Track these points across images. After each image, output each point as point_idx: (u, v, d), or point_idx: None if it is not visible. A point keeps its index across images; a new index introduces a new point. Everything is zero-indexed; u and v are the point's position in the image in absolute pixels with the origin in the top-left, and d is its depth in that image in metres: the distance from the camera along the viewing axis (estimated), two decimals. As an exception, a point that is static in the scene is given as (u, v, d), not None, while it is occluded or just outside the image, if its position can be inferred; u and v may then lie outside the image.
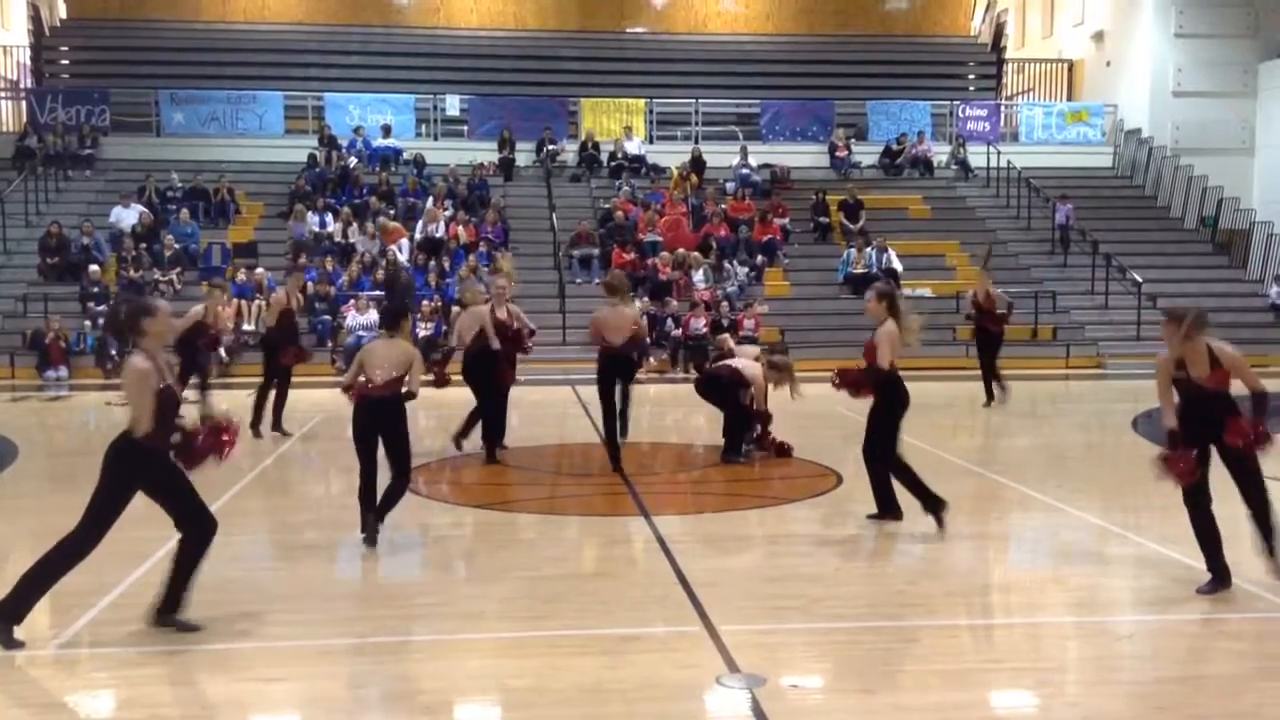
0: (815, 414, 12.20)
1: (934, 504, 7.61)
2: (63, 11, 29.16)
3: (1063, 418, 15.55)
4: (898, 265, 22.04)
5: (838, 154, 25.79)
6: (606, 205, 23.43)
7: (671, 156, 25.43)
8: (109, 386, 17.98)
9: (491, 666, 5.43)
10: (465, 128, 26.24)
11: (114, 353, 19.09)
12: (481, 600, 6.49)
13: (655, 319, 20.05)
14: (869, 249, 22.17)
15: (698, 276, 21.11)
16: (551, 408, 14.52)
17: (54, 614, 6.38)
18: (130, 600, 6.36)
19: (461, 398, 10.34)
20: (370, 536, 7.13)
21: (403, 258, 21.39)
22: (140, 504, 9.37)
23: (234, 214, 23.01)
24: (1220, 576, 6.51)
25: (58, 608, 6.44)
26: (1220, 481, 6.42)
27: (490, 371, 9.58)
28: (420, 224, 22.22)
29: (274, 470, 10.29)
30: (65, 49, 28.49)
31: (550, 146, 25.20)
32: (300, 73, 27.26)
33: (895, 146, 25.99)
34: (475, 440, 10.54)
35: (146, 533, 7.87)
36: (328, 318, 19.67)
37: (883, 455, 7.68)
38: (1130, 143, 26.49)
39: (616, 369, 9.36)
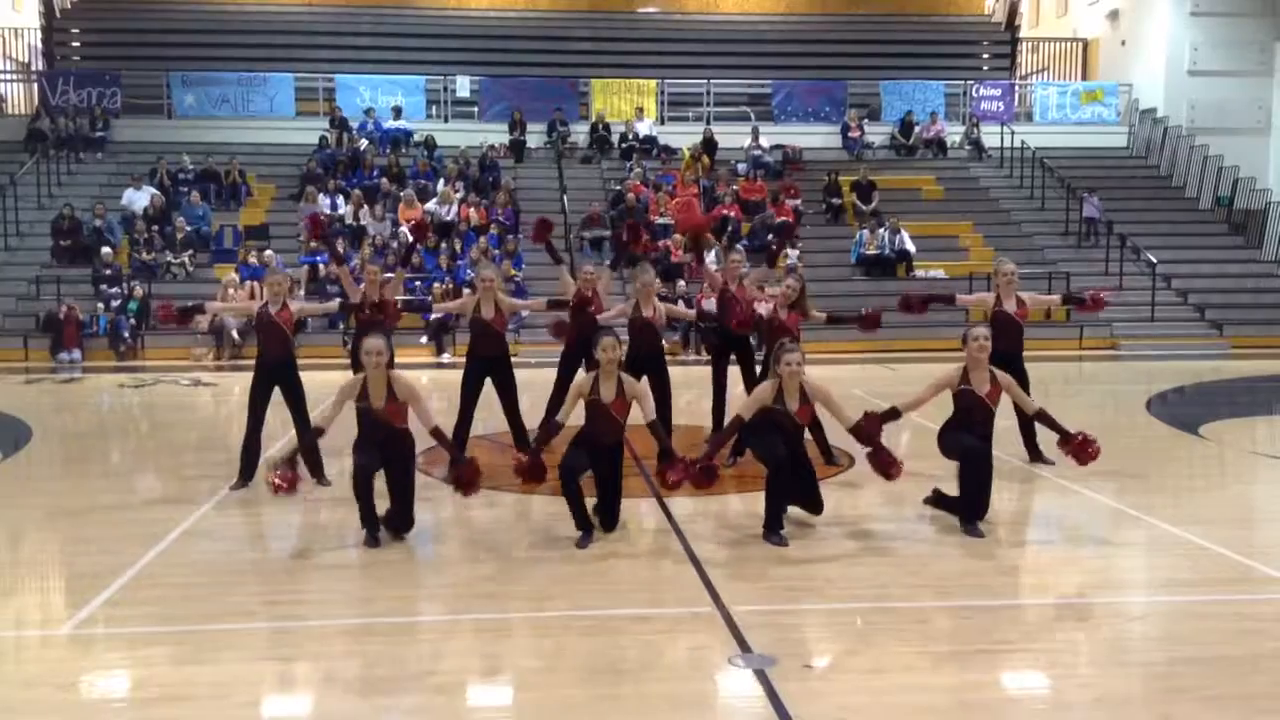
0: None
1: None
2: (73, -7, 29.22)
3: (1076, 399, 15.49)
4: (910, 246, 21.98)
5: (850, 134, 25.68)
6: (618, 187, 23.38)
7: (683, 137, 25.36)
8: (122, 369, 18.07)
9: (503, 647, 5.44)
10: (476, 109, 26.20)
11: (126, 335, 19.19)
12: (493, 581, 6.50)
13: (666, 300, 20.02)
14: (882, 230, 22.09)
15: (710, 258, 21.04)
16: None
17: (69, 594, 6.42)
18: (145, 581, 6.39)
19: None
20: None
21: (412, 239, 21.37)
22: (159, 485, 9.44)
23: (245, 196, 23.05)
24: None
25: (72, 588, 6.48)
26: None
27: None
28: (432, 203, 22.23)
29: (286, 450, 10.32)
30: (76, 31, 28.48)
31: (561, 128, 25.15)
32: (311, 54, 27.25)
33: (897, 130, 25.86)
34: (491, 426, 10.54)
35: (163, 513, 7.93)
36: (340, 299, 19.68)
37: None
38: (1145, 122, 26.32)
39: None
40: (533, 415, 9.33)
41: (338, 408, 7.15)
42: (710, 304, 19.32)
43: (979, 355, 7.39)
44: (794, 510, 7.60)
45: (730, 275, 10.35)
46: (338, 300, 10.71)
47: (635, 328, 9.49)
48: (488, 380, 9.53)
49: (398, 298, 10.59)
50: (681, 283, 20.31)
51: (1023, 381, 8.78)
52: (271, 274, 9.61)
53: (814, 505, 7.37)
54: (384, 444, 7.06)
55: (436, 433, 7.13)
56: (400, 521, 7.12)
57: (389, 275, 11.01)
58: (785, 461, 7.08)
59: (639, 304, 9.53)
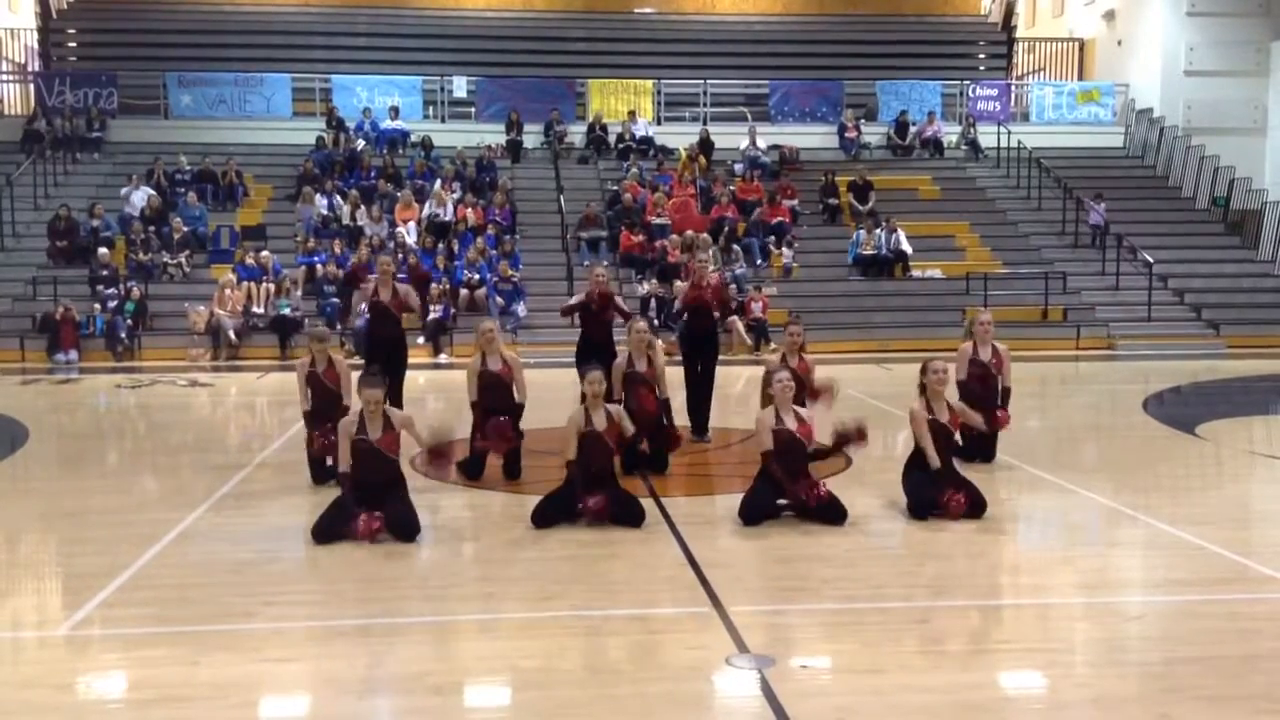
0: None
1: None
2: (70, -6, 29.19)
3: (1073, 399, 15.51)
4: (907, 247, 21.99)
5: (847, 135, 25.70)
6: (614, 187, 23.38)
7: (680, 138, 25.36)
8: (119, 370, 18.05)
9: (501, 647, 5.44)
10: (473, 109, 26.20)
11: (123, 336, 19.17)
12: (491, 581, 6.50)
13: (663, 301, 20.04)
14: (879, 230, 22.10)
15: (707, 256, 21.06)
16: (561, 390, 14.52)
17: (66, 595, 6.41)
18: (142, 582, 6.38)
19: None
20: None
21: (410, 240, 21.39)
22: (155, 486, 9.43)
23: (242, 196, 23.03)
24: None
25: (69, 589, 6.47)
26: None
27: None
28: (428, 205, 22.25)
29: (283, 452, 10.32)
30: (72, 31, 28.45)
31: (558, 128, 25.16)
32: (307, 54, 27.24)
33: (892, 130, 25.88)
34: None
35: (160, 514, 7.92)
36: (336, 300, 19.69)
37: None
38: (1141, 122, 26.35)
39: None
40: (534, 414, 9.27)
41: (345, 446, 7.39)
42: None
43: (938, 387, 7.84)
44: (790, 511, 7.63)
45: (698, 275, 10.69)
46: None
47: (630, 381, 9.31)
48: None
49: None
50: (678, 283, 20.29)
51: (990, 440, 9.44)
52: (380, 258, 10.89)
53: (833, 516, 7.52)
54: (376, 483, 7.25)
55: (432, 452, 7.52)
56: (405, 532, 7.17)
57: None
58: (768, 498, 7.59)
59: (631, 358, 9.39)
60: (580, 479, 7.49)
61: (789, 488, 7.48)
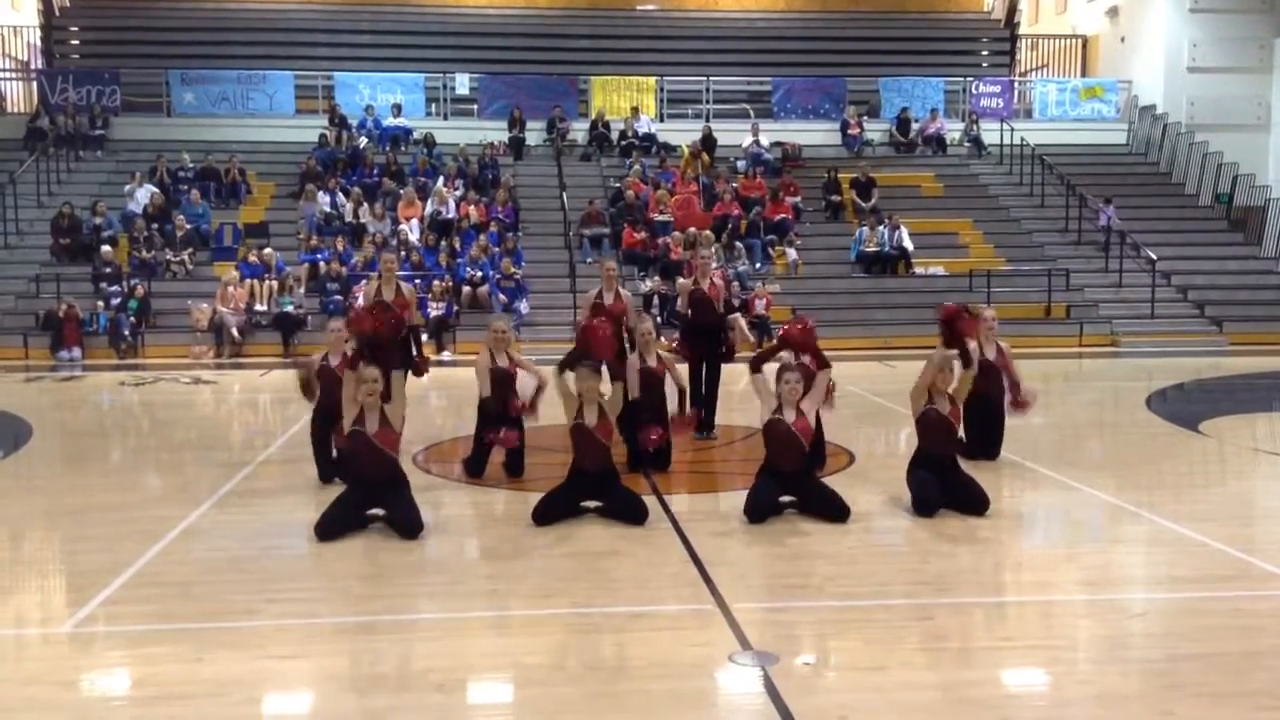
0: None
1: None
2: (72, -9, 29.19)
3: (1076, 396, 15.50)
4: (910, 244, 21.98)
5: (850, 131, 25.69)
6: (617, 184, 23.38)
7: (682, 135, 25.36)
8: (122, 367, 18.07)
9: (504, 644, 5.44)
10: (475, 107, 26.21)
11: (126, 333, 19.19)
12: (493, 578, 6.50)
13: (666, 299, 20.04)
14: (881, 227, 22.09)
15: (708, 253, 21.05)
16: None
17: (69, 593, 6.42)
18: (145, 579, 6.39)
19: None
20: None
21: (413, 237, 21.39)
22: (159, 483, 9.44)
23: (245, 194, 23.05)
24: None
25: (73, 586, 6.48)
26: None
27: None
28: (431, 202, 22.26)
29: (286, 449, 10.34)
30: (75, 29, 28.47)
31: (560, 125, 25.16)
32: (310, 52, 27.26)
33: (895, 127, 25.85)
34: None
35: (163, 511, 7.93)
36: (339, 298, 19.71)
37: None
38: (1145, 119, 26.32)
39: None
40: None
41: (351, 413, 7.36)
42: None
43: (940, 385, 7.86)
44: (793, 508, 7.63)
45: (701, 272, 10.45)
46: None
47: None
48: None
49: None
50: (681, 280, 20.27)
51: (997, 429, 9.46)
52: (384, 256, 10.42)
53: (836, 513, 7.52)
54: (377, 480, 7.25)
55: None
56: (408, 530, 7.17)
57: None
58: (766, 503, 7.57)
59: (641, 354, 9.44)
60: (574, 480, 7.61)
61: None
